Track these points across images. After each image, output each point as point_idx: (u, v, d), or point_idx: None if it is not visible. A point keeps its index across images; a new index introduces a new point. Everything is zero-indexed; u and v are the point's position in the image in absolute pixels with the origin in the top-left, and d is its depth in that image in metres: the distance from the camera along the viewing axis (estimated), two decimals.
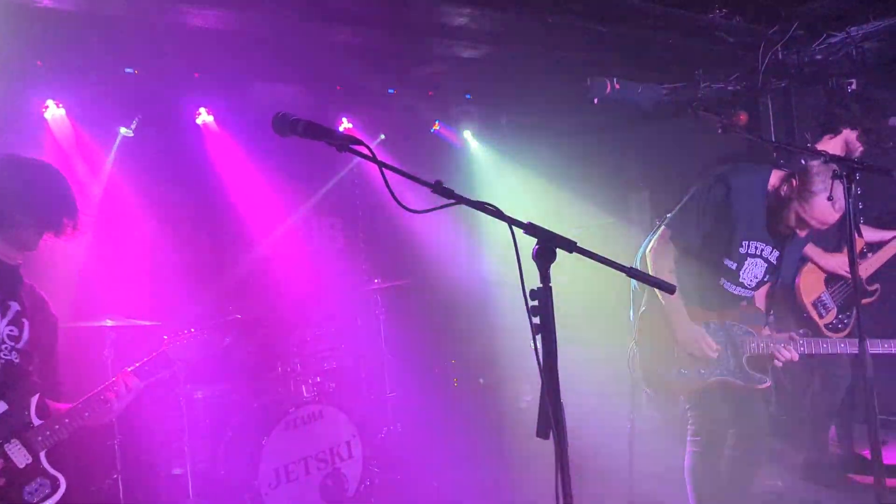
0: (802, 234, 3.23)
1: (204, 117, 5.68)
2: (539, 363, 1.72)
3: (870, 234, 4.38)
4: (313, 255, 6.49)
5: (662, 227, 3.38)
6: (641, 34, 4.98)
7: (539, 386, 1.73)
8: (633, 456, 3.67)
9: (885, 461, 3.00)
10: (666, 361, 3.31)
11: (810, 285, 4.11)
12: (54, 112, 5.01)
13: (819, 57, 5.27)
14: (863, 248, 4.23)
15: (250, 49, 4.94)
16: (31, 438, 2.48)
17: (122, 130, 5.24)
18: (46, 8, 3.70)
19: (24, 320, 2.61)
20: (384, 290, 5.56)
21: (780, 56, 5.36)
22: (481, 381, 6.83)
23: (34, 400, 2.55)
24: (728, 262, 3.31)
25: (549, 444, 1.73)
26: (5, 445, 2.44)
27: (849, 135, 4.14)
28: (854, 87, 5.49)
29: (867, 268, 4.20)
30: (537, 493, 4.65)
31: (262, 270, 5.79)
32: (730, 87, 5.81)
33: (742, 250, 3.28)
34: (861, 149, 4.16)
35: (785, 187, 3.18)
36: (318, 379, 4.87)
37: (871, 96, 4.30)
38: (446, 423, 6.28)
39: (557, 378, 1.73)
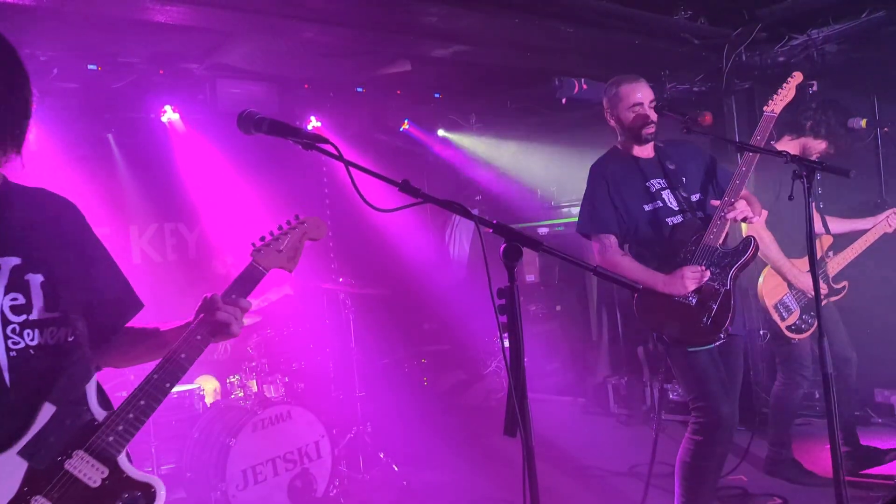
0: (650, 131, 3.46)
1: (169, 115, 5.60)
2: (506, 361, 1.73)
3: (838, 225, 4.44)
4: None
5: (591, 239, 3.57)
6: (608, 35, 5.03)
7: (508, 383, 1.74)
8: (655, 461, 3.67)
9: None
10: (693, 316, 3.31)
11: (773, 288, 4.18)
12: None
13: (781, 59, 5.37)
14: (822, 256, 4.30)
15: (216, 46, 4.89)
16: (100, 441, 1.72)
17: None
18: (5, 3, 3.62)
19: (31, 276, 1.74)
20: (353, 290, 5.53)
21: (744, 58, 5.45)
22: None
23: (91, 386, 1.77)
24: (648, 206, 3.47)
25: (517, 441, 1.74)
26: (65, 463, 1.67)
27: (807, 140, 4.26)
28: (815, 88, 5.61)
29: (835, 265, 4.27)
30: (507, 490, 4.68)
31: (228, 269, 5.74)
32: (695, 88, 5.91)
33: (651, 189, 3.49)
34: (818, 153, 4.26)
35: (618, 121, 3.52)
36: (287, 379, 4.84)
37: (835, 102, 4.38)
38: (416, 422, 6.28)
39: (524, 376, 1.74)
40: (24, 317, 1.70)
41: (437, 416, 6.53)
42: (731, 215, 3.28)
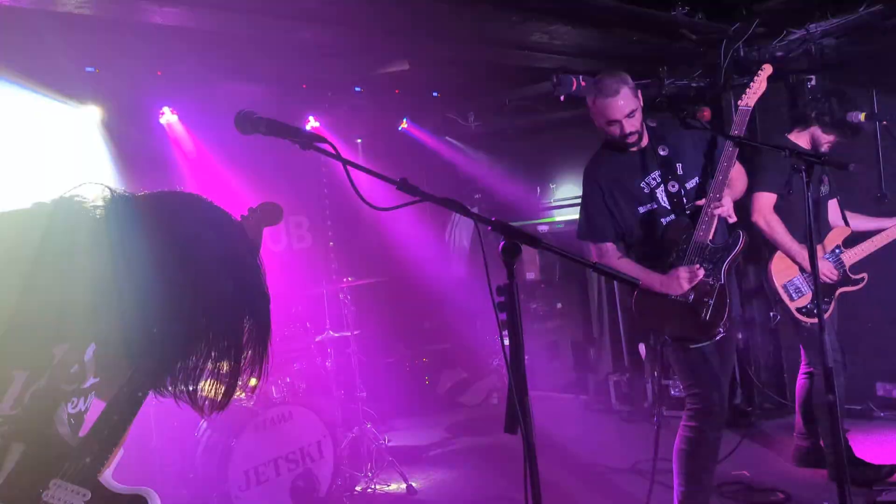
0: (631, 140, 3.42)
1: (168, 116, 5.60)
2: (506, 359, 1.73)
3: (861, 222, 4.42)
4: (280, 254, 6.45)
5: (588, 245, 3.61)
6: (606, 32, 5.02)
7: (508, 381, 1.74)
8: (657, 457, 3.69)
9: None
10: (691, 314, 3.36)
11: (783, 270, 4.16)
12: None
13: (779, 53, 5.36)
14: (838, 245, 4.28)
15: (214, 47, 4.88)
16: (76, 465, 1.66)
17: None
18: (1, 6, 3.62)
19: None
20: (354, 289, 5.54)
21: (742, 53, 5.44)
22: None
23: (60, 414, 1.71)
24: (642, 209, 3.49)
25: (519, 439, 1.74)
26: (43, 495, 1.62)
27: (815, 130, 4.24)
28: (813, 83, 5.61)
29: (852, 256, 4.25)
30: (508, 488, 4.68)
31: None
32: (693, 84, 5.90)
33: (645, 189, 3.48)
34: (828, 143, 4.24)
35: (603, 130, 3.47)
36: (288, 379, 4.83)
37: (842, 91, 4.37)
38: (418, 420, 6.29)
39: (525, 373, 1.74)
40: None
41: (438, 414, 6.53)
42: (717, 212, 3.32)
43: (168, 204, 1.62)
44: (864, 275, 4.28)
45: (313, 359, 5.20)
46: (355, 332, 5.36)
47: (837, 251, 4.25)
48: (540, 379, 6.99)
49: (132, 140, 5.58)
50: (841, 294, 4.26)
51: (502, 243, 1.75)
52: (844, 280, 4.23)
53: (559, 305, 7.39)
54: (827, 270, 4.14)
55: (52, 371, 1.67)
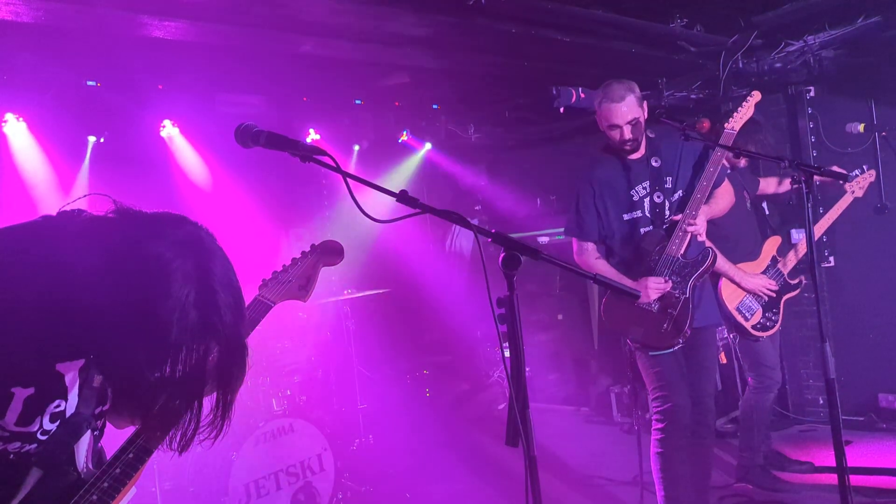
0: (627, 148, 3.53)
1: (169, 129, 5.62)
2: (507, 371, 1.73)
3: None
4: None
5: (573, 241, 3.73)
6: (605, 44, 5.04)
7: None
8: (643, 459, 3.74)
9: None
10: (654, 322, 3.46)
11: (732, 292, 4.28)
12: (14, 126, 4.92)
13: (778, 65, 5.38)
14: (774, 255, 4.41)
15: (214, 60, 4.90)
16: (83, 502, 1.63)
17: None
18: (3, 21, 3.64)
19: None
20: (354, 301, 5.53)
21: (741, 65, 5.47)
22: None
23: (81, 444, 1.68)
24: (627, 216, 3.59)
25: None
26: None
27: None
28: (812, 94, 5.63)
29: (789, 262, 4.40)
30: (510, 502, 4.66)
31: None
32: (692, 96, 5.92)
33: (634, 198, 3.58)
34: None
35: (605, 133, 3.58)
36: (289, 392, 4.82)
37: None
38: (418, 433, 6.26)
39: (525, 386, 1.73)
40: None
41: (439, 427, 6.51)
42: (690, 229, 3.43)
43: (180, 232, 1.58)
44: (801, 278, 4.43)
45: (314, 371, 5.19)
46: (356, 344, 5.36)
47: (775, 261, 4.38)
48: (541, 391, 6.97)
49: (133, 152, 5.60)
50: (787, 301, 4.38)
51: (502, 255, 1.75)
52: (785, 288, 4.35)
53: (560, 317, 7.39)
54: (765, 286, 4.26)
55: (82, 393, 1.63)
